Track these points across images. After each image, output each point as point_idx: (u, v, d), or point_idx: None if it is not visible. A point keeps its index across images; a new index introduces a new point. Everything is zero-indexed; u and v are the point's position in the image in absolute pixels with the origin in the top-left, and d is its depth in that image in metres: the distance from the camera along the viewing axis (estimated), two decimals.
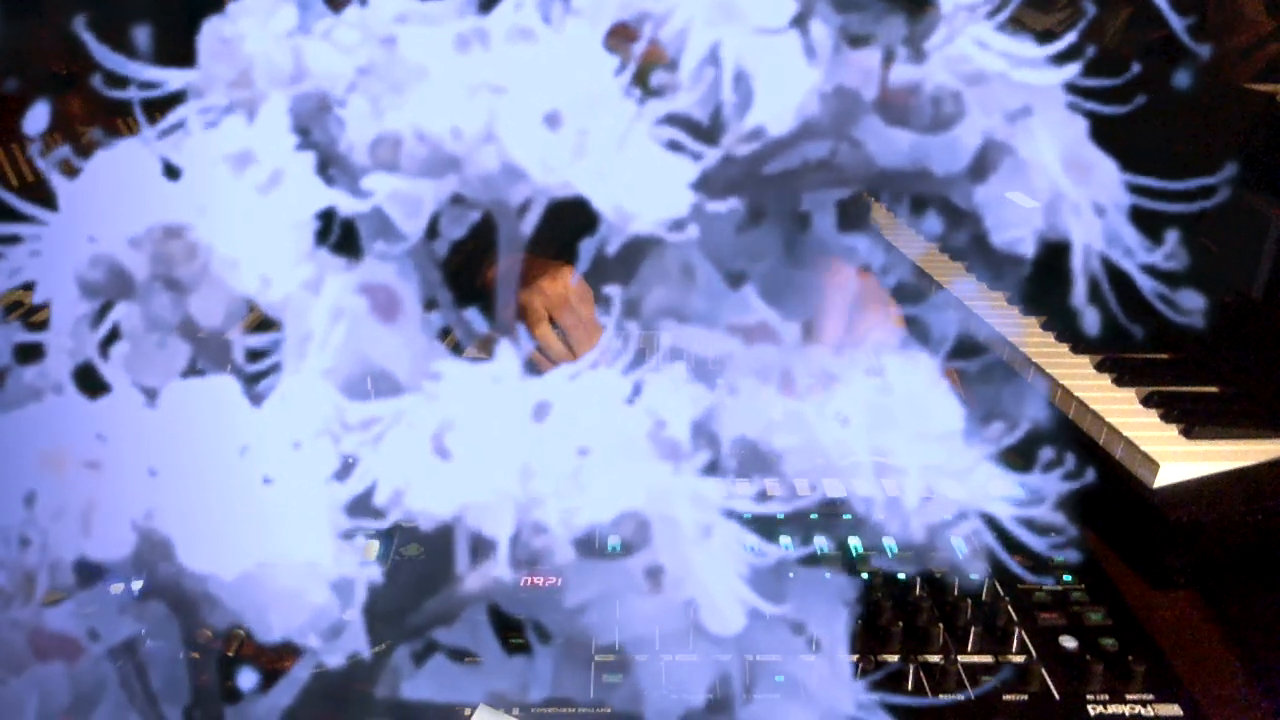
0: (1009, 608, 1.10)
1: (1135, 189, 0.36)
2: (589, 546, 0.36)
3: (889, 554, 1.15)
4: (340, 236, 0.38)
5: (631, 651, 0.38)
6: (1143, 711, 0.99)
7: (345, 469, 0.35)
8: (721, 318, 0.37)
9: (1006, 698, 1.00)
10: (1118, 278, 0.37)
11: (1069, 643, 1.06)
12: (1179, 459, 1.29)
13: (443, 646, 0.39)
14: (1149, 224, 0.38)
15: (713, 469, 0.36)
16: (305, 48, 0.37)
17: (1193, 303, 0.35)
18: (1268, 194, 1.43)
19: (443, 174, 0.36)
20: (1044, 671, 1.02)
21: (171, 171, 0.36)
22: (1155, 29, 2.10)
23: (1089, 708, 0.99)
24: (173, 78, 0.38)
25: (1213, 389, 1.45)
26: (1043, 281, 0.40)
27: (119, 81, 0.37)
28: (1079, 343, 1.56)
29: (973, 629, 1.06)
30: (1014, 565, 0.38)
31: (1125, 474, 1.31)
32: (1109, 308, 0.37)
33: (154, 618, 0.36)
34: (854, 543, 1.15)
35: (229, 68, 0.37)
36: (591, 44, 0.36)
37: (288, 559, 0.34)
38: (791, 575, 0.41)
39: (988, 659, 1.05)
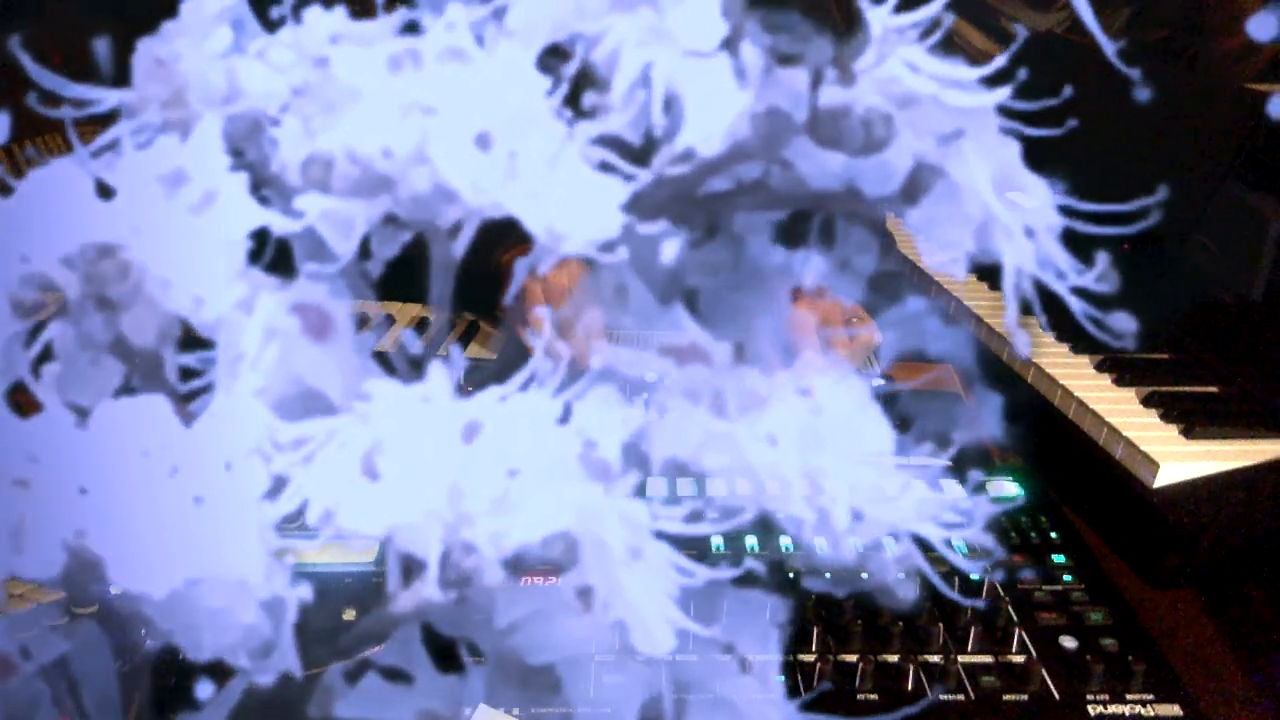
0: (1009, 608, 1.09)
1: (1069, 211, 0.36)
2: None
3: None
4: (274, 256, 0.38)
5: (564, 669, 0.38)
6: (1143, 711, 0.99)
7: (276, 488, 0.35)
8: (656, 336, 0.37)
9: (1006, 698, 1.00)
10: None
11: (1069, 643, 1.06)
12: (1179, 459, 1.28)
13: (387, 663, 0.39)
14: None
15: (643, 491, 0.36)
16: (239, 68, 0.37)
17: (1125, 325, 0.35)
18: (1268, 194, 1.42)
19: (374, 194, 0.36)
20: (1044, 671, 1.02)
21: (105, 191, 0.36)
22: (1155, 30, 2.09)
23: (1089, 708, 0.99)
24: (107, 97, 0.38)
25: (1213, 389, 1.45)
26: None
27: (52, 100, 0.37)
28: (1079, 343, 1.55)
29: (973, 629, 1.06)
30: (944, 587, 0.38)
31: (1125, 474, 1.31)
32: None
33: (85, 636, 0.36)
34: (854, 542, 1.15)
35: (163, 87, 0.37)
36: (524, 65, 0.36)
37: (219, 578, 0.35)
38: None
39: (988, 659, 1.04)
